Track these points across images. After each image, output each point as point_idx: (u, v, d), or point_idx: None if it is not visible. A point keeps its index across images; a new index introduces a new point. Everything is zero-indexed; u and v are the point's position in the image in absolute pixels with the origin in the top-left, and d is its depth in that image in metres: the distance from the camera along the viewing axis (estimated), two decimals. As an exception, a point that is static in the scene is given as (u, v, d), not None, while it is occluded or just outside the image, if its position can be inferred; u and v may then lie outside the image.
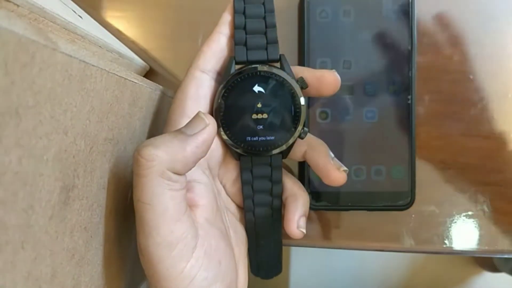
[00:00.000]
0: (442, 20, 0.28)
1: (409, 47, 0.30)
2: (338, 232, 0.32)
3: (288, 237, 0.23)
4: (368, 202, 0.30)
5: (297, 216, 0.23)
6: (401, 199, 0.30)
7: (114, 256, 0.20)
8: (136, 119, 0.22)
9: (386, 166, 0.30)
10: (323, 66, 0.30)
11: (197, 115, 0.19)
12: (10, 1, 0.16)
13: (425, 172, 0.31)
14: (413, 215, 0.31)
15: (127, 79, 0.20)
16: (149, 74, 0.32)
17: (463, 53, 0.31)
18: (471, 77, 0.31)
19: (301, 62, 0.30)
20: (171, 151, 0.18)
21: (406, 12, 0.30)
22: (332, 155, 0.23)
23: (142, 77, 0.25)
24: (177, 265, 0.18)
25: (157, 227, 0.18)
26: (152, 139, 0.18)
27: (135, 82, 0.22)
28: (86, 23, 0.24)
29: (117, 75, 0.19)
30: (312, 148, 0.23)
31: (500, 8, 0.31)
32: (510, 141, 0.31)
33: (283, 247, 0.27)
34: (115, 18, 0.32)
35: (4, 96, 0.11)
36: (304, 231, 0.23)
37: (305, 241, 0.32)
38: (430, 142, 0.31)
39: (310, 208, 0.30)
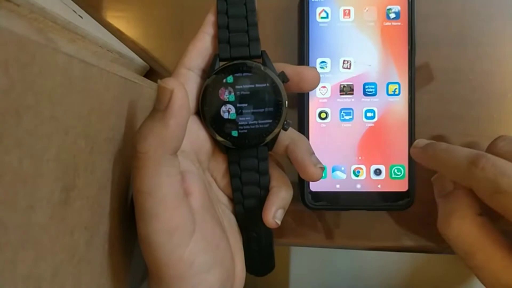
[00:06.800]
0: None
1: (409, 47, 0.30)
2: (338, 232, 0.32)
3: (287, 237, 0.23)
4: (368, 202, 0.30)
5: (275, 207, 0.23)
6: (400, 199, 0.30)
7: (115, 256, 0.20)
8: (136, 119, 0.22)
9: (385, 166, 0.30)
10: (323, 66, 0.30)
11: (159, 85, 0.18)
12: (10, 1, 0.16)
13: (425, 172, 0.31)
14: (413, 215, 0.31)
15: (127, 79, 0.20)
16: (149, 74, 0.32)
17: (463, 53, 0.31)
18: (471, 77, 0.31)
19: (301, 62, 0.30)
20: (158, 135, 0.18)
21: (406, 12, 0.30)
22: (312, 151, 0.24)
23: (142, 77, 0.25)
24: (176, 250, 0.19)
25: (157, 215, 0.18)
26: (139, 131, 0.18)
27: (135, 82, 0.22)
28: (86, 23, 0.24)
29: (117, 75, 0.19)
30: (294, 143, 0.24)
31: (500, 8, 0.31)
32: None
33: (283, 248, 0.27)
34: (115, 18, 0.32)
35: (4, 96, 0.11)
36: (279, 222, 0.23)
37: (305, 241, 0.32)
38: (430, 142, 0.31)
39: (310, 208, 0.30)
